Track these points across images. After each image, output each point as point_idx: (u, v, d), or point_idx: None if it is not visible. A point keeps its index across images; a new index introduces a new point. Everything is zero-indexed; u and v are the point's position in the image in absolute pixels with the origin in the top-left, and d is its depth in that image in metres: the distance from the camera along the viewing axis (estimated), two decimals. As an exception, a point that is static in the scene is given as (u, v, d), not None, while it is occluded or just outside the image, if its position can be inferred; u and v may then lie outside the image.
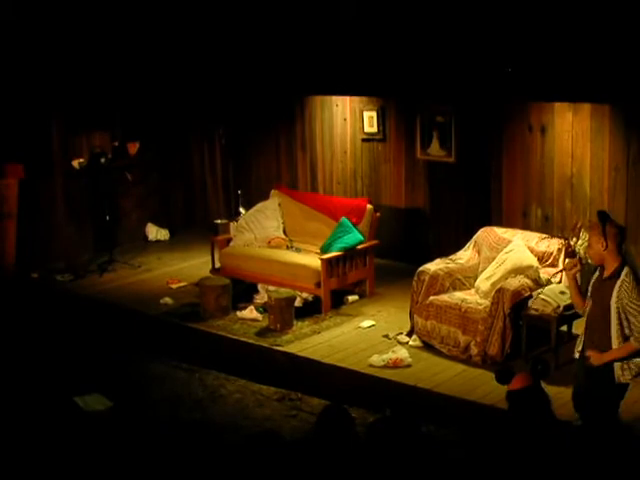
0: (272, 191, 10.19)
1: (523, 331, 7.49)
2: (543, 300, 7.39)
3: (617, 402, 5.70)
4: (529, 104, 9.02)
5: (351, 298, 9.24)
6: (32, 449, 6.75)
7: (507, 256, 7.89)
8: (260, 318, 8.80)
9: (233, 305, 9.06)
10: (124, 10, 10.21)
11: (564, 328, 7.65)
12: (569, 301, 7.34)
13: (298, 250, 9.51)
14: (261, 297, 9.24)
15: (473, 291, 8.05)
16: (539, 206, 9.17)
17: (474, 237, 8.45)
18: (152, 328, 9.13)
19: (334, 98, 10.61)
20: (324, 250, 9.05)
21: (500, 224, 8.96)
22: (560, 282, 7.66)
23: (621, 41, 7.54)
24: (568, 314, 7.39)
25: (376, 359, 7.66)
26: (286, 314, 8.55)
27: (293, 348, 8.15)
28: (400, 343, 8.07)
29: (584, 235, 7.18)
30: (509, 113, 9.24)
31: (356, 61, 9.17)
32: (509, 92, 8.54)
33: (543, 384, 4.97)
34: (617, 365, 5.55)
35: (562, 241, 7.85)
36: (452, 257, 8.39)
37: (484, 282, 7.92)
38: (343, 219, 9.19)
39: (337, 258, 8.92)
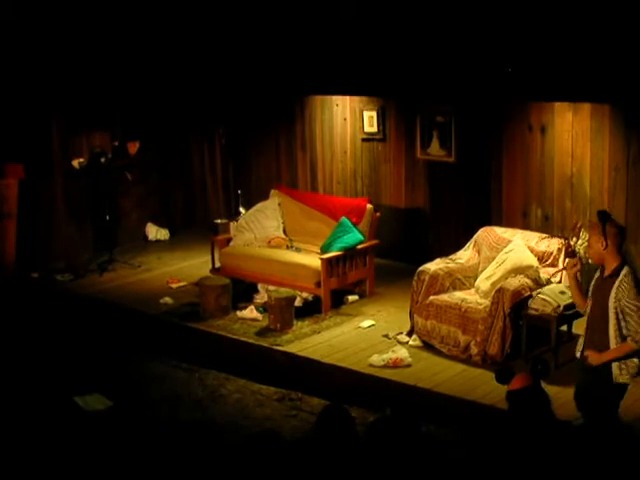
0: (272, 191, 10.19)
1: (523, 331, 7.49)
2: (543, 300, 7.39)
3: (616, 402, 5.70)
4: (529, 104, 9.02)
5: (351, 298, 9.24)
6: (32, 449, 6.75)
7: (507, 256, 7.89)
8: (260, 318, 8.80)
9: (233, 305, 9.06)
10: (124, 10, 10.21)
11: (564, 328, 7.65)
12: (569, 301, 7.35)
13: (298, 250, 9.51)
14: (261, 297, 9.24)
15: (473, 291, 8.05)
16: (539, 206, 9.17)
17: (474, 237, 8.45)
18: (152, 328, 9.13)
19: (334, 98, 10.61)
20: (324, 250, 9.05)
21: (500, 224, 8.96)
22: (560, 282, 7.66)
23: (621, 41, 7.54)
24: (568, 314, 7.40)
25: (376, 359, 7.66)
26: (286, 314, 8.56)
27: (293, 348, 8.15)
28: (400, 343, 8.07)
29: (584, 235, 7.16)
30: (509, 113, 9.24)
31: (356, 61, 9.17)
32: (509, 92, 8.54)
33: (543, 384, 4.97)
34: (615, 365, 5.55)
35: (562, 241, 7.84)
36: (452, 257, 8.39)
37: (484, 282, 7.93)
38: (343, 219, 9.19)
39: (337, 258, 8.92)
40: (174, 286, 9.96)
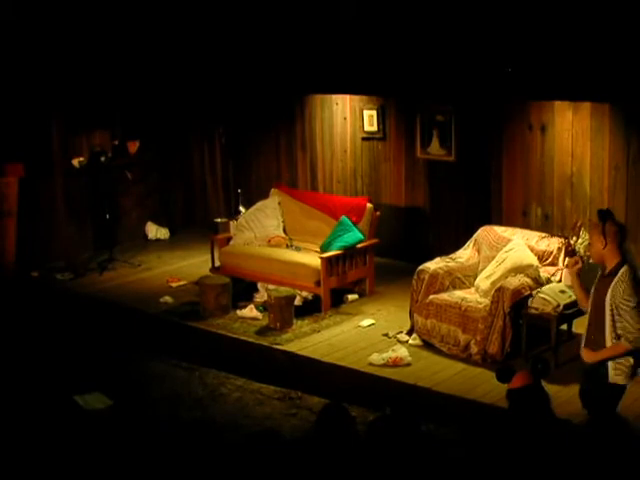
0: (272, 190, 10.19)
1: (523, 330, 7.49)
2: (543, 299, 7.39)
3: (614, 402, 5.68)
4: (529, 103, 9.03)
5: (351, 297, 9.24)
6: (32, 448, 6.75)
7: (507, 255, 7.89)
8: (260, 317, 8.80)
9: (233, 304, 9.06)
10: (124, 10, 10.21)
11: (564, 327, 7.65)
12: (569, 300, 7.36)
13: (298, 249, 9.51)
14: (261, 296, 9.24)
15: (473, 290, 8.05)
16: (539, 205, 9.17)
17: (474, 236, 8.45)
18: (152, 327, 9.13)
19: (334, 97, 10.61)
20: (324, 249, 9.06)
21: (500, 223, 8.96)
22: (560, 281, 7.67)
23: (621, 40, 7.54)
24: (568, 313, 7.40)
25: (376, 358, 7.67)
26: (286, 313, 8.56)
27: (293, 347, 8.15)
28: (400, 342, 8.07)
29: (584, 234, 7.18)
30: (509, 112, 9.25)
31: (356, 60, 9.17)
32: (509, 91, 8.54)
33: (543, 383, 4.97)
34: (610, 365, 5.53)
35: (562, 240, 7.85)
36: (452, 256, 8.39)
37: (484, 281, 7.93)
38: (343, 218, 9.19)
39: (337, 257, 8.92)
40: (174, 285, 9.97)
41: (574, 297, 7.26)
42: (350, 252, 9.04)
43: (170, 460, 6.52)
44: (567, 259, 6.63)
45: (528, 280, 7.59)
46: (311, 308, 8.98)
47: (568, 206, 8.95)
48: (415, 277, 8.12)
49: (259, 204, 9.96)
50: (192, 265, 10.61)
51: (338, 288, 9.10)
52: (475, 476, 5.33)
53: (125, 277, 10.39)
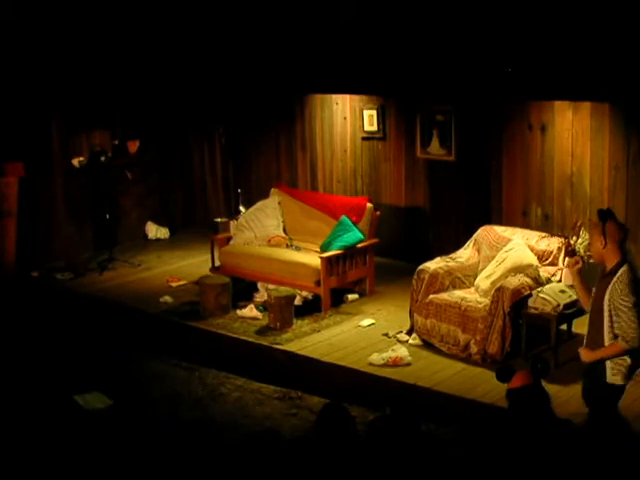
0: (272, 189, 10.20)
1: (523, 330, 7.49)
2: (543, 299, 7.39)
3: (612, 402, 5.67)
4: (529, 103, 9.03)
5: (351, 297, 9.24)
6: (32, 448, 6.75)
7: (507, 255, 7.89)
8: (260, 317, 8.80)
9: (233, 303, 9.06)
10: (124, 10, 10.21)
11: (564, 327, 7.65)
12: (569, 300, 7.36)
13: (298, 249, 9.52)
14: (261, 295, 9.24)
15: (473, 290, 8.05)
16: (539, 205, 9.17)
17: (474, 236, 8.45)
18: (152, 326, 9.13)
19: (334, 97, 10.62)
20: (324, 249, 9.06)
21: (500, 223, 8.96)
22: (560, 281, 7.67)
23: (621, 40, 7.54)
24: (568, 313, 7.41)
25: (376, 357, 7.67)
26: (286, 312, 8.56)
27: (293, 347, 8.15)
28: (400, 342, 8.07)
29: (584, 234, 7.18)
30: (509, 112, 9.25)
31: (356, 60, 9.17)
32: (509, 91, 8.54)
33: (543, 383, 4.97)
34: (608, 365, 5.51)
35: (562, 240, 7.85)
36: (452, 256, 8.39)
37: (484, 281, 7.93)
38: (343, 218, 9.20)
39: (337, 257, 8.92)
40: (174, 285, 9.97)
41: (574, 297, 7.30)
42: (350, 252, 9.04)
43: (170, 460, 6.52)
44: (567, 259, 6.64)
45: (528, 280, 7.59)
46: (311, 308, 8.98)
47: (568, 206, 8.95)
48: (415, 277, 8.12)
49: (259, 204, 9.96)
50: (192, 265, 10.61)
51: (338, 288, 9.10)
52: (475, 476, 5.33)
53: (125, 277, 10.39)
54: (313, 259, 8.92)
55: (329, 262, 8.84)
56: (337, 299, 9.09)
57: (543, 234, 8.16)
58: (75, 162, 10.72)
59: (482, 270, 8.13)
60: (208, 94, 11.45)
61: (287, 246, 9.61)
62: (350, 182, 10.74)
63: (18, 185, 10.30)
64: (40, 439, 6.91)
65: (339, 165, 10.82)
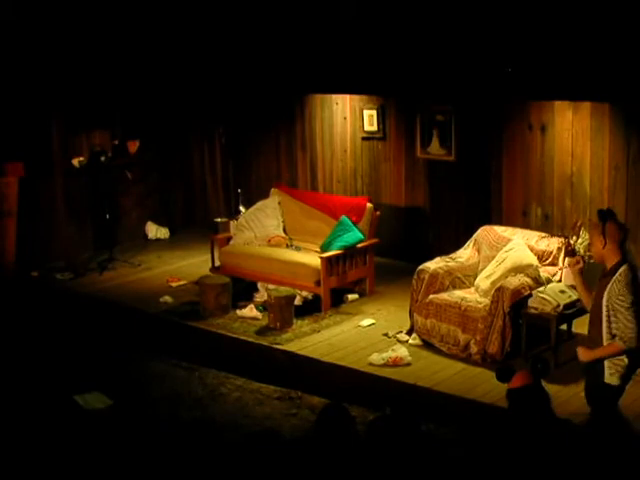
0: (272, 189, 10.20)
1: (523, 330, 7.49)
2: (543, 299, 7.39)
3: (611, 402, 5.65)
4: (529, 103, 9.03)
5: (351, 297, 9.24)
6: (32, 448, 6.75)
7: (507, 255, 7.89)
8: (260, 317, 8.80)
9: (233, 303, 9.06)
10: (124, 10, 10.21)
11: (564, 327, 7.65)
12: (569, 300, 7.36)
13: (298, 248, 9.52)
14: (261, 295, 9.24)
15: (473, 290, 8.05)
16: (539, 205, 9.18)
17: (474, 235, 8.45)
18: (152, 326, 9.13)
19: (334, 97, 10.62)
20: (324, 248, 9.06)
21: (500, 223, 8.96)
22: (560, 281, 7.67)
23: (621, 39, 7.54)
24: (568, 313, 7.40)
25: (376, 357, 7.67)
26: (286, 312, 8.56)
27: (293, 347, 8.15)
28: (400, 342, 8.07)
29: (584, 234, 7.18)
30: (509, 112, 9.25)
31: (356, 60, 9.17)
32: (509, 91, 8.54)
33: (543, 383, 4.97)
34: (606, 365, 5.50)
35: (562, 240, 7.85)
36: (452, 255, 8.40)
37: (484, 281, 7.93)
38: (343, 218, 9.20)
39: (337, 257, 8.92)
40: (174, 285, 9.97)
41: (574, 297, 7.31)
42: (350, 252, 9.04)
43: (170, 460, 6.52)
44: (568, 259, 6.62)
45: (528, 280, 7.59)
46: (311, 308, 8.98)
47: (568, 206, 8.96)
48: (415, 277, 8.12)
49: (259, 204, 9.96)
50: (192, 265, 10.61)
51: (338, 288, 9.10)
52: (475, 476, 5.33)
53: (125, 277, 10.39)
54: (313, 259, 8.92)
55: (329, 262, 8.84)
56: (337, 299, 9.09)
57: (543, 234, 8.16)
58: (75, 162, 10.72)
59: (482, 270, 8.13)
60: (208, 94, 11.45)
61: (287, 246, 9.61)
62: (350, 182, 10.74)
63: (18, 185, 10.30)
64: (40, 439, 6.91)
65: (339, 165, 10.82)
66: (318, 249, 9.19)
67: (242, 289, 9.41)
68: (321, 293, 8.88)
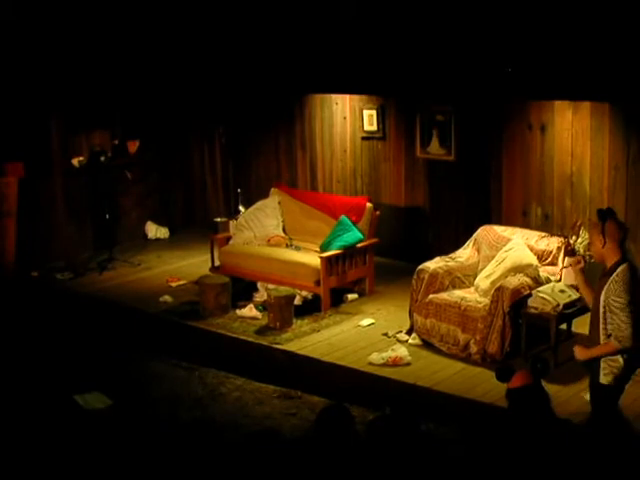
0: (272, 189, 10.20)
1: (522, 329, 7.49)
2: (542, 298, 7.39)
3: (609, 401, 5.63)
4: (529, 103, 9.03)
5: (351, 296, 9.24)
6: (32, 448, 6.75)
7: (507, 254, 7.89)
8: (259, 316, 8.80)
9: (233, 303, 9.06)
10: (124, 10, 10.21)
11: (563, 326, 7.65)
12: (568, 299, 7.36)
13: (298, 248, 9.52)
14: (260, 295, 9.24)
15: (472, 289, 8.05)
16: (539, 205, 9.18)
17: (474, 235, 8.46)
18: (152, 326, 9.13)
19: (334, 97, 10.62)
20: (324, 248, 9.06)
21: (500, 222, 8.96)
22: (559, 280, 7.67)
23: (621, 39, 7.54)
24: (567, 312, 7.41)
25: (376, 357, 7.67)
26: (285, 312, 8.56)
27: (293, 346, 8.15)
28: (399, 341, 8.07)
29: (584, 233, 7.18)
30: (509, 112, 9.25)
31: (356, 60, 9.17)
32: (509, 91, 8.54)
33: (543, 382, 4.97)
34: (602, 365, 5.49)
35: (562, 239, 7.85)
36: (452, 255, 8.40)
37: (484, 280, 7.93)
38: (343, 217, 9.20)
39: (337, 256, 8.92)
40: (174, 285, 9.97)
41: (573, 297, 7.31)
42: (350, 252, 9.04)
43: (170, 460, 6.52)
44: (570, 258, 6.62)
45: (527, 279, 7.59)
46: (311, 308, 8.98)
47: (568, 206, 8.96)
48: (415, 277, 8.12)
49: (259, 204, 9.96)
50: (192, 265, 10.61)
51: (338, 288, 9.11)
52: (475, 475, 5.33)
53: (125, 277, 10.39)
54: (313, 259, 8.92)
55: (329, 262, 8.84)
56: (337, 299, 9.09)
57: (543, 234, 8.16)
58: (75, 162, 10.72)
59: (482, 270, 8.13)
60: (208, 94, 11.45)
61: (287, 246, 9.61)
62: (350, 182, 10.74)
63: (18, 185, 10.30)
64: (40, 439, 6.91)
65: (339, 165, 10.82)
66: (318, 249, 9.18)
67: (242, 289, 9.41)
68: (321, 293, 8.88)
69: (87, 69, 10.26)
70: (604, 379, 5.48)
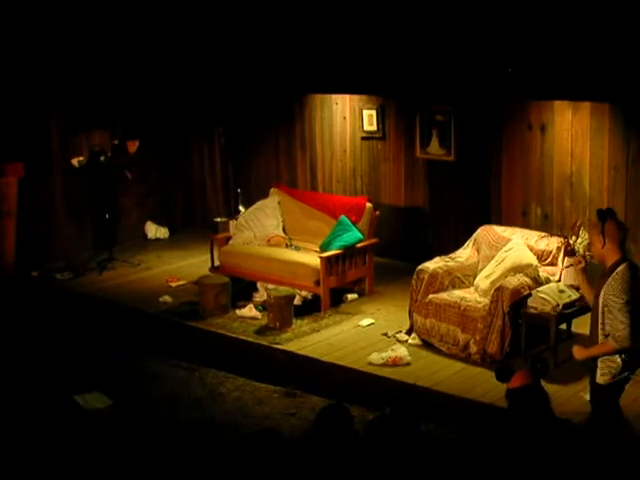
0: (272, 189, 10.20)
1: (522, 329, 7.49)
2: (542, 298, 7.39)
3: (607, 401, 5.63)
4: (529, 103, 9.03)
5: (350, 296, 9.24)
6: (32, 448, 6.75)
7: (506, 254, 7.89)
8: (259, 316, 8.80)
9: (232, 303, 9.06)
10: (124, 10, 10.21)
11: (563, 326, 7.66)
12: (568, 299, 7.36)
13: (297, 248, 9.52)
14: (260, 295, 9.24)
15: (472, 289, 8.05)
16: (539, 205, 9.18)
17: (473, 235, 8.45)
18: (151, 326, 9.13)
19: (334, 97, 10.62)
20: (323, 248, 9.06)
21: (500, 223, 8.96)
22: (559, 280, 7.67)
23: (621, 39, 7.54)
24: (567, 312, 7.41)
25: (375, 357, 7.67)
26: (285, 312, 8.56)
27: (292, 346, 8.15)
28: (399, 341, 8.07)
29: (583, 233, 7.18)
30: (509, 112, 9.25)
31: (356, 60, 9.17)
32: (509, 91, 8.54)
33: (542, 382, 4.97)
34: (599, 366, 5.47)
35: (561, 240, 7.85)
36: (451, 255, 8.40)
37: (483, 280, 7.93)
38: (342, 217, 9.20)
39: (336, 256, 8.92)
40: (173, 285, 9.97)
41: (573, 297, 7.32)
42: (350, 252, 9.04)
43: (170, 460, 6.52)
44: (570, 258, 6.62)
45: (527, 280, 7.59)
46: (310, 308, 8.98)
47: (568, 206, 8.96)
48: (414, 277, 8.12)
49: (259, 204, 9.96)
50: (192, 265, 10.61)
51: (338, 288, 9.11)
52: (474, 475, 5.33)
53: (125, 277, 10.39)
54: (312, 259, 8.92)
55: (328, 262, 8.84)
56: (336, 299, 9.09)
57: (542, 234, 8.16)
58: (75, 162, 10.72)
59: (481, 270, 8.13)
60: (208, 94, 11.45)
61: (286, 246, 9.61)
62: (350, 182, 10.74)
63: (18, 185, 10.29)
64: (40, 439, 6.91)
65: (339, 165, 10.82)
66: (317, 249, 9.18)
67: (241, 289, 9.41)
68: (320, 293, 8.88)
69: (87, 69, 10.26)
70: (601, 379, 5.47)
